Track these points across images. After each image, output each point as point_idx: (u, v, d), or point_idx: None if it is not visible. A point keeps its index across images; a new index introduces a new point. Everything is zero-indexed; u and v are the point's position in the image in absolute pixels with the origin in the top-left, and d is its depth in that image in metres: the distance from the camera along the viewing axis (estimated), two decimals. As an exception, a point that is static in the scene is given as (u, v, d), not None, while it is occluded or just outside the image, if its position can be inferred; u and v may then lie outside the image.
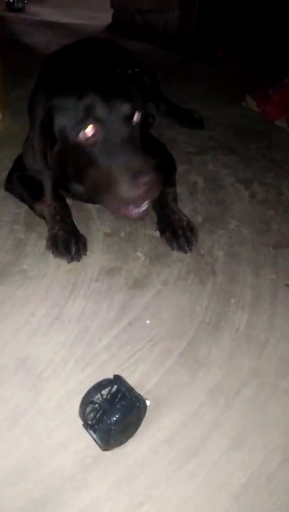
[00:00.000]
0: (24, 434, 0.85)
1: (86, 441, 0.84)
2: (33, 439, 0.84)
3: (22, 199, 1.49)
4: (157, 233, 1.38)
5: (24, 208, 1.49)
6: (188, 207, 1.53)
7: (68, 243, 1.28)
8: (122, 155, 1.11)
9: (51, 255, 1.29)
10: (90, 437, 0.82)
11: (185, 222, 1.36)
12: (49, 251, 1.29)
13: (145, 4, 3.83)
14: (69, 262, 1.27)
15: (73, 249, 1.27)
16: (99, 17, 4.12)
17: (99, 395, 0.84)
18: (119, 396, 0.83)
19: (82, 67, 1.32)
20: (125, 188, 1.11)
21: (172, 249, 1.32)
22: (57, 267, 1.27)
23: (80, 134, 1.14)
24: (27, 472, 0.79)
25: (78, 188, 1.30)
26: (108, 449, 0.81)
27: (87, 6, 4.53)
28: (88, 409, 0.84)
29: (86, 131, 1.14)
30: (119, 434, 0.81)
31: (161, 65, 2.52)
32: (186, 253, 1.31)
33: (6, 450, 0.83)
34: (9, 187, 1.54)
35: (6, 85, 2.12)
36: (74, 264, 1.27)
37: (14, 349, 1.02)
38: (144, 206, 1.19)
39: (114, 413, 0.80)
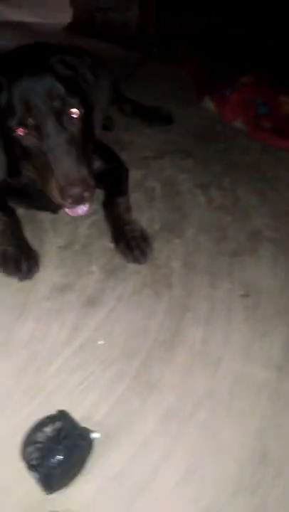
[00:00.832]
0: None
1: (31, 483, 0.78)
2: None
3: None
4: (113, 245, 1.33)
5: None
6: (146, 214, 1.48)
7: (19, 260, 1.20)
8: (55, 159, 1.07)
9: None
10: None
11: (138, 233, 1.30)
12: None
13: (104, 2, 3.75)
14: (20, 281, 1.19)
15: (24, 267, 1.20)
16: (60, 16, 4.03)
17: (42, 433, 0.79)
18: (62, 434, 0.77)
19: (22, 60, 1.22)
20: (54, 194, 1.10)
21: (128, 262, 1.27)
22: (6, 286, 1.20)
23: (14, 128, 1.10)
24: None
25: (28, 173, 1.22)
26: (51, 493, 0.75)
27: (47, 4, 4.42)
28: (31, 449, 0.78)
29: (17, 128, 1.09)
30: (62, 476, 0.75)
31: (120, 65, 2.45)
32: (140, 264, 1.26)
33: None
34: None
35: None
36: (25, 282, 1.20)
37: None
38: (80, 209, 1.17)
39: (56, 454, 0.75)
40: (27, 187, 1.31)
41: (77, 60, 1.18)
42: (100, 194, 1.49)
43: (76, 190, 1.07)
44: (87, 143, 1.18)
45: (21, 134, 1.09)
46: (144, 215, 1.47)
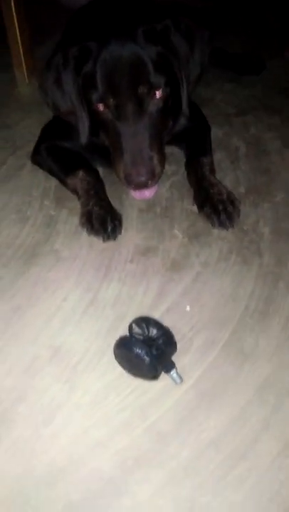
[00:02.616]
0: (61, 431, 0.81)
1: (125, 441, 0.80)
2: (70, 437, 0.81)
3: (52, 173, 1.38)
4: (196, 208, 1.27)
5: (54, 181, 1.40)
6: (230, 176, 1.40)
7: (104, 221, 1.18)
8: (127, 143, 1.06)
9: (83, 234, 1.21)
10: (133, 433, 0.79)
11: (225, 195, 1.23)
12: (83, 229, 1.20)
13: None
14: (104, 241, 1.18)
15: (109, 227, 1.18)
16: None
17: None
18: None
19: (111, 24, 1.16)
20: (120, 176, 1.11)
21: (213, 226, 1.21)
22: (89, 246, 1.19)
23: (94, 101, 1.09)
24: (65, 473, 0.76)
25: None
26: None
27: None
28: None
29: (98, 103, 1.08)
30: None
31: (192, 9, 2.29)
32: (227, 230, 1.20)
33: (42, 447, 0.79)
34: (37, 159, 1.43)
35: (31, 45, 1.99)
36: (107, 243, 1.19)
37: (47, 337, 0.97)
38: (144, 193, 1.17)
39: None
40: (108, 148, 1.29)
41: (169, 28, 1.08)
42: (179, 153, 1.43)
43: (141, 179, 1.06)
44: (167, 121, 1.16)
45: (100, 108, 1.08)
46: (227, 177, 1.39)
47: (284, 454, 0.76)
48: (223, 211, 1.21)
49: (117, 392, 0.86)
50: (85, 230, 1.20)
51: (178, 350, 0.91)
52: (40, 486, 0.74)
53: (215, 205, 1.21)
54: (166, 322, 0.98)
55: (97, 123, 1.15)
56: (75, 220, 1.27)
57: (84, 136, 1.18)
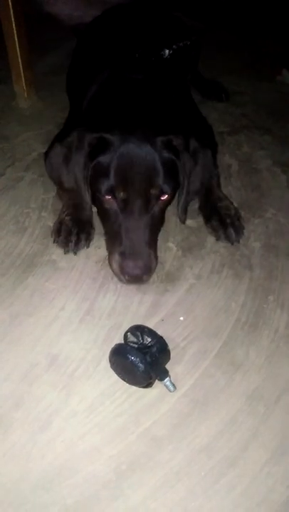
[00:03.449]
0: (57, 437, 0.84)
1: (120, 446, 0.82)
2: (66, 442, 0.83)
3: (51, 175, 1.34)
4: (190, 222, 1.32)
5: (52, 193, 1.44)
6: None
7: (69, 233, 1.20)
8: (127, 236, 1.07)
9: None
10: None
11: (233, 211, 1.28)
12: (51, 237, 1.23)
13: None
14: (65, 254, 1.20)
15: (73, 241, 1.20)
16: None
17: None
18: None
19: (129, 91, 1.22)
20: (113, 265, 1.10)
21: (217, 240, 1.26)
22: (86, 257, 1.23)
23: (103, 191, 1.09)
24: (60, 477, 0.78)
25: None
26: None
27: None
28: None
29: (105, 195, 1.09)
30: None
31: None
32: (232, 244, 1.24)
33: (38, 453, 0.81)
34: (46, 157, 1.36)
35: (31, 60, 2.03)
36: (104, 255, 1.22)
37: (45, 345, 1.00)
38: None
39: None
40: None
41: (182, 145, 1.12)
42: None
43: (138, 273, 1.06)
44: (164, 220, 1.19)
45: (107, 198, 1.09)
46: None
47: (272, 462, 0.80)
48: (230, 225, 1.25)
49: (112, 399, 0.89)
50: (52, 239, 1.23)
51: (171, 359, 0.94)
52: (37, 490, 0.76)
53: (222, 219, 1.26)
54: (160, 332, 1.01)
55: (99, 206, 1.17)
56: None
57: (87, 210, 1.18)
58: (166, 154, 1.10)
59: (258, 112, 1.91)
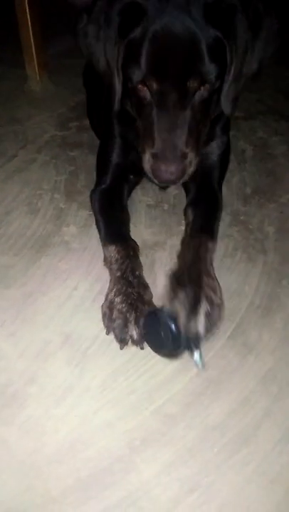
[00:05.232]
0: (71, 412, 0.84)
1: (133, 422, 0.83)
2: (80, 417, 0.84)
3: (97, 226, 1.19)
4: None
5: (65, 176, 1.44)
6: (236, 177, 1.44)
7: (125, 323, 0.93)
8: (160, 134, 0.92)
9: (92, 226, 1.24)
10: (140, 417, 0.82)
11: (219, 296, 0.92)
12: (103, 322, 0.97)
13: None
14: (122, 349, 0.93)
15: (134, 333, 0.92)
16: None
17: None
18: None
19: None
20: (146, 166, 0.98)
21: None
22: (98, 239, 1.22)
23: (134, 79, 0.94)
24: (74, 451, 0.79)
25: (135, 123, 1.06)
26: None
27: None
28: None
29: (137, 85, 0.94)
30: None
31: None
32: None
33: (53, 426, 0.82)
34: (92, 204, 1.24)
35: (43, 42, 2.02)
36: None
37: (58, 324, 1.00)
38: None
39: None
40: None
41: (235, 8, 0.89)
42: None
43: (170, 177, 0.95)
44: (209, 117, 1.01)
45: (139, 87, 0.95)
46: (234, 178, 1.43)
47: (285, 440, 0.80)
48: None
49: (126, 377, 0.89)
50: (104, 326, 0.96)
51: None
52: (51, 462, 0.77)
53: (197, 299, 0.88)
54: (173, 313, 1.02)
55: (131, 97, 1.02)
56: (85, 213, 1.30)
57: (115, 104, 1.03)
58: (210, 28, 0.88)
59: (275, 97, 1.89)
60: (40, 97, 1.95)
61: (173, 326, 0.83)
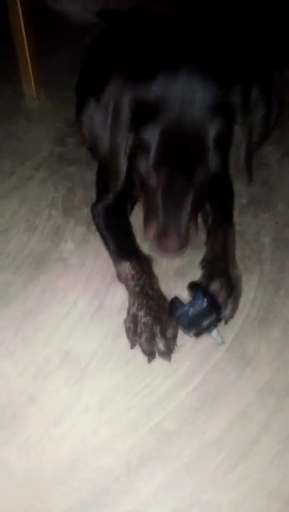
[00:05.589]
0: (70, 432, 0.85)
1: (131, 440, 0.84)
2: (79, 436, 0.85)
3: (105, 243, 1.20)
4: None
5: (62, 192, 1.45)
6: (231, 187, 1.45)
7: (152, 335, 0.96)
8: (166, 211, 0.96)
9: (90, 242, 1.25)
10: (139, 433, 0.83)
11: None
12: (128, 339, 0.99)
13: None
14: (149, 362, 0.96)
15: (161, 345, 0.95)
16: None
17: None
18: None
19: None
20: (150, 236, 1.01)
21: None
22: (96, 254, 1.24)
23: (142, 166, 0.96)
24: (74, 471, 0.80)
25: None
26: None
27: None
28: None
29: (145, 171, 0.97)
30: None
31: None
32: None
33: (53, 447, 0.83)
34: (95, 222, 1.25)
35: (39, 59, 2.05)
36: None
37: (57, 341, 1.01)
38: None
39: None
40: None
41: (239, 103, 0.92)
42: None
43: (171, 250, 0.98)
44: (208, 191, 1.05)
45: (146, 176, 0.97)
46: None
47: (282, 454, 0.80)
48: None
49: (123, 394, 0.90)
50: (130, 342, 0.99)
51: (181, 353, 0.96)
52: (50, 483, 0.78)
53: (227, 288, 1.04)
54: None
55: (136, 178, 1.04)
56: (82, 229, 1.31)
57: (119, 184, 1.04)
58: (220, 122, 0.90)
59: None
60: (37, 114, 1.97)
61: (205, 300, 0.93)
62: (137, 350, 0.97)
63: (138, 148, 0.95)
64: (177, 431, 0.84)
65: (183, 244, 0.98)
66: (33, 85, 2.02)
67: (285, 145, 1.61)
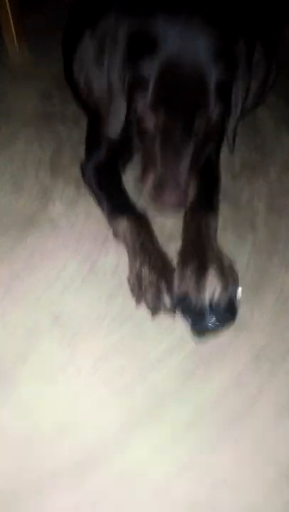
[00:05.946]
0: (64, 392, 0.84)
1: (127, 401, 0.83)
2: (73, 397, 0.83)
3: (99, 201, 1.16)
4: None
5: (49, 152, 1.39)
6: (225, 153, 1.41)
7: (158, 291, 0.92)
8: (164, 161, 0.92)
9: (79, 203, 1.20)
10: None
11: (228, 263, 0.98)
12: (133, 296, 0.96)
13: None
14: (153, 316, 0.93)
15: (167, 301, 0.92)
16: None
17: None
18: None
19: None
20: (145, 189, 0.97)
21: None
22: (86, 215, 1.19)
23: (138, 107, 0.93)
24: (69, 431, 0.79)
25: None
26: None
27: None
28: None
29: (142, 112, 0.93)
30: None
31: None
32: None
33: (48, 407, 0.82)
34: (85, 180, 1.21)
35: (21, 14, 1.92)
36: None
37: (47, 304, 0.98)
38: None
39: None
40: None
41: (243, 54, 0.89)
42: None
43: (168, 201, 0.94)
44: (210, 144, 1.03)
45: (144, 117, 0.93)
46: (222, 154, 1.40)
47: (279, 417, 0.81)
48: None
49: (118, 356, 0.88)
50: (135, 298, 0.95)
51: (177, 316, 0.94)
52: (45, 442, 0.77)
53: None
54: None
55: (133, 122, 0.98)
56: (71, 189, 1.26)
57: (115, 130, 1.01)
58: (222, 69, 0.86)
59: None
60: (22, 72, 1.86)
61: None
62: (131, 312, 0.96)
63: (135, 86, 0.90)
64: (173, 392, 0.83)
65: (181, 201, 0.94)
66: (15, 40, 1.91)
67: (279, 112, 1.58)
